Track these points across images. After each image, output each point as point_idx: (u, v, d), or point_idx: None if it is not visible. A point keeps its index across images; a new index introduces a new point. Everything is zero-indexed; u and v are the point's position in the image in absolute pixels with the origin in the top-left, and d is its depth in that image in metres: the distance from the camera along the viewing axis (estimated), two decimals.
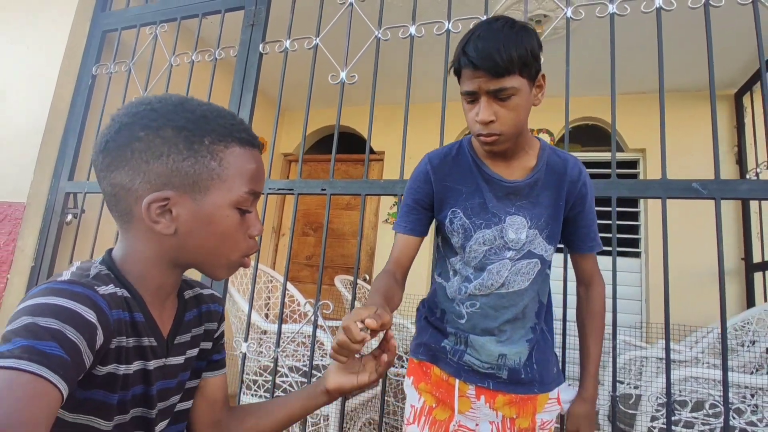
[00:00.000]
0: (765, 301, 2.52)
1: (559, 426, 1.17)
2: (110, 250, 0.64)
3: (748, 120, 2.94)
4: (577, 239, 1.01)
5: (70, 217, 2.06)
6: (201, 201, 0.61)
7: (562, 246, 1.31)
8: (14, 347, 0.44)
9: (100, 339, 0.51)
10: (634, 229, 3.22)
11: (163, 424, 0.65)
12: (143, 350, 0.60)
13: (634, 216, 3.22)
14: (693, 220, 2.63)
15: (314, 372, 1.73)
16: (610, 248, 1.26)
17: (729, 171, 2.99)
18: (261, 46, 1.81)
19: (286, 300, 2.26)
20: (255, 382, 1.75)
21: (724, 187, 1.21)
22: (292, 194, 1.63)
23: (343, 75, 1.65)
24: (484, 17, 1.50)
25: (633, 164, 3.35)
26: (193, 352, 0.71)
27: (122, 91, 2.04)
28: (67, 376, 0.46)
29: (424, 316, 1.05)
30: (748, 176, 2.82)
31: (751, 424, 1.23)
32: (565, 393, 1.02)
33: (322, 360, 1.69)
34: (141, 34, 2.09)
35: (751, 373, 1.72)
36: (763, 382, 1.22)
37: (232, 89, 1.82)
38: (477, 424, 0.95)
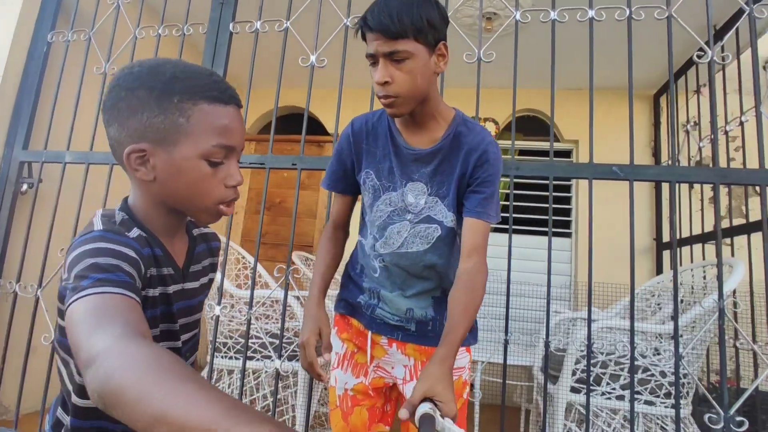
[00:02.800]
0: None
1: (471, 376, 1.28)
2: (126, 198, 0.75)
3: (663, 119, 3.36)
4: (468, 202, 0.97)
5: (25, 186, 2.03)
6: (172, 153, 0.67)
7: (507, 227, 1.51)
8: (93, 281, 0.56)
9: (142, 270, 0.65)
10: (567, 212, 3.57)
11: (186, 336, 0.79)
12: (164, 278, 0.73)
13: (567, 200, 3.57)
14: (620, 202, 2.99)
15: (284, 333, 1.86)
16: (539, 228, 1.48)
17: (646, 163, 3.40)
18: (231, 25, 1.86)
19: (251, 274, 2.35)
20: (225, 344, 1.85)
21: (637, 170, 1.47)
22: (263, 168, 1.73)
23: (313, 58, 1.76)
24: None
25: (567, 153, 3.70)
26: (205, 279, 0.85)
27: (81, 61, 2.01)
28: (137, 294, 0.58)
29: (347, 272, 1.14)
30: None
31: (653, 364, 1.52)
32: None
33: (292, 322, 1.82)
34: (102, 4, 2.06)
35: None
36: (660, 329, 1.51)
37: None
38: (393, 367, 1.08)
